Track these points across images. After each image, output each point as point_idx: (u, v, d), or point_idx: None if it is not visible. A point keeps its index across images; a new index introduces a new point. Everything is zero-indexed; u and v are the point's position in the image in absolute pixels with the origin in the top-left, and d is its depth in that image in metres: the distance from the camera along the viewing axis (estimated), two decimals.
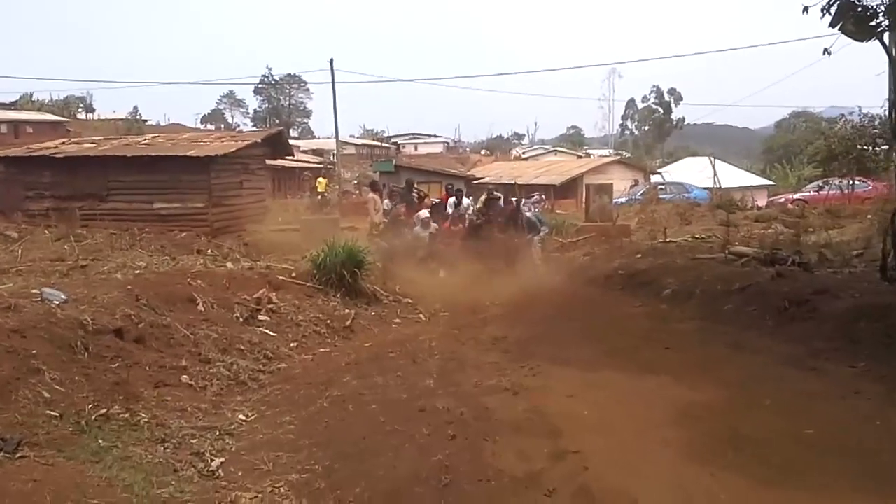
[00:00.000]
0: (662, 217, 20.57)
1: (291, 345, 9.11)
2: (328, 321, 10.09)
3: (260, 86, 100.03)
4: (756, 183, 44.60)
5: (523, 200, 18.14)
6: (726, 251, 11.63)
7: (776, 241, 13.80)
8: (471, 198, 19.70)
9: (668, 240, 15.43)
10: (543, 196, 33.85)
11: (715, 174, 29.47)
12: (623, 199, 27.82)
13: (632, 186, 35.14)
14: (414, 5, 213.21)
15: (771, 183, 46.40)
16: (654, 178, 39.91)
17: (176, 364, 7.40)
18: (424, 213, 15.49)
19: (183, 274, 10.35)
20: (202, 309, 9.13)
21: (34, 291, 8.22)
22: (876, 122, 23.15)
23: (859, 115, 25.40)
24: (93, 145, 21.45)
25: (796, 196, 29.98)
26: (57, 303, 7.90)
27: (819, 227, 17.59)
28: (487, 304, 11.33)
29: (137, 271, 11.03)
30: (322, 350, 9.10)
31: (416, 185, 18.76)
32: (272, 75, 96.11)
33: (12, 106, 63.60)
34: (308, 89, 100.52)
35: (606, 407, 5.29)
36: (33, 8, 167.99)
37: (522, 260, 14.24)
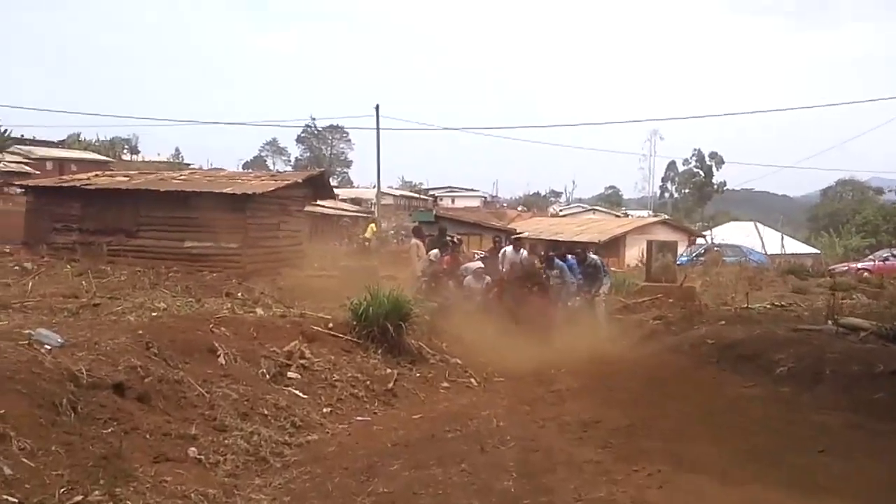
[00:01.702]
0: (729, 280, 18.92)
1: (324, 410, 7.70)
2: (367, 382, 8.65)
3: (302, 135, 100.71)
4: (801, 251, 42.64)
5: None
6: (832, 322, 10.00)
7: (877, 312, 12.11)
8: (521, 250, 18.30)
9: (746, 306, 13.79)
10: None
11: (760, 238, 27.75)
12: (684, 259, 26.27)
13: (685, 247, 33.52)
14: (455, 60, 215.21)
15: (817, 251, 44.37)
16: (700, 241, 38.35)
17: (184, 431, 6.02)
18: (477, 263, 14.12)
19: (205, 319, 9.02)
20: (223, 362, 7.78)
21: (27, 332, 6.95)
22: None
23: None
24: (126, 179, 20.51)
25: (861, 265, 28.19)
26: (49, 347, 6.60)
27: None
28: (553, 371, 9.75)
29: (155, 314, 9.75)
30: (360, 418, 7.65)
31: (448, 233, 17.54)
32: (315, 125, 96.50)
33: (59, 144, 63.92)
34: (349, 140, 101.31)
35: None
36: (84, 46, 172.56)
37: (586, 319, 12.70)
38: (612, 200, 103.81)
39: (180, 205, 17.84)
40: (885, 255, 28.27)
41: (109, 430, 5.52)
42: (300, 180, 20.91)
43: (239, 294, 13.82)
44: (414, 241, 16.53)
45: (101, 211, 18.41)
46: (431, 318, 11.47)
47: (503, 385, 9.33)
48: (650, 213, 77.36)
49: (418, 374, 9.46)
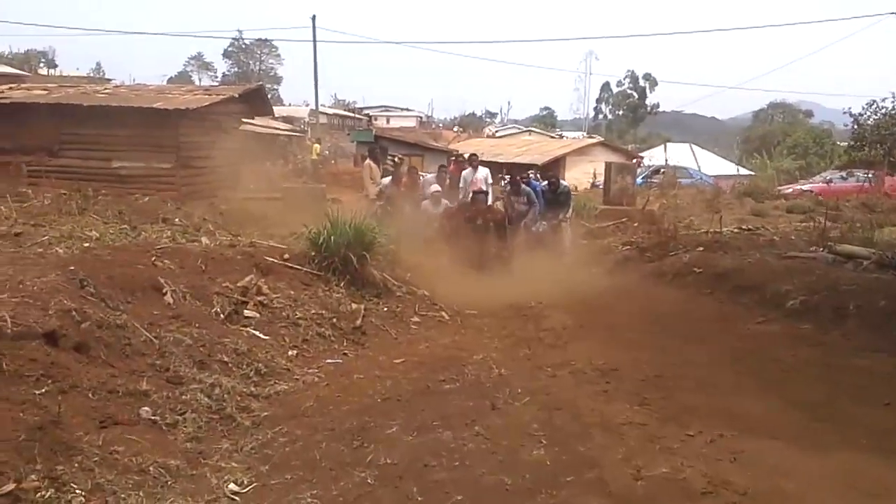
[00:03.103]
0: (686, 203, 18.46)
1: (290, 353, 6.84)
2: (333, 319, 7.78)
3: (230, 49, 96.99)
4: (736, 172, 42.76)
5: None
6: (825, 249, 9.53)
7: (844, 237, 11.74)
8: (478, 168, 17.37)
9: (716, 230, 13.26)
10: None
11: (696, 160, 27.49)
12: (638, 181, 25.81)
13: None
14: None
15: (751, 173, 44.66)
16: (646, 163, 38.05)
17: (133, 387, 5.11)
18: (435, 186, 13.20)
19: (146, 251, 7.96)
20: (171, 301, 6.80)
21: None
22: None
23: (893, 101, 23.61)
24: (45, 92, 18.75)
25: (807, 187, 28.21)
26: None
27: (866, 222, 15.55)
28: (533, 303, 9.03)
29: (87, 244, 8.64)
30: (330, 361, 6.83)
31: (389, 153, 16.66)
32: (243, 38, 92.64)
33: None
34: (279, 55, 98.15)
35: None
36: None
37: (553, 246, 11.99)
38: (546, 121, 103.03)
39: (106, 121, 16.41)
40: (828, 178, 28.26)
41: (43, 391, 4.58)
42: (236, 95, 19.44)
43: (177, 220, 12.72)
44: (367, 161, 15.54)
45: (17, 127, 16.87)
46: (394, 245, 10.61)
47: (481, 321, 8.55)
48: (584, 134, 76.98)
49: (386, 309, 8.62)
